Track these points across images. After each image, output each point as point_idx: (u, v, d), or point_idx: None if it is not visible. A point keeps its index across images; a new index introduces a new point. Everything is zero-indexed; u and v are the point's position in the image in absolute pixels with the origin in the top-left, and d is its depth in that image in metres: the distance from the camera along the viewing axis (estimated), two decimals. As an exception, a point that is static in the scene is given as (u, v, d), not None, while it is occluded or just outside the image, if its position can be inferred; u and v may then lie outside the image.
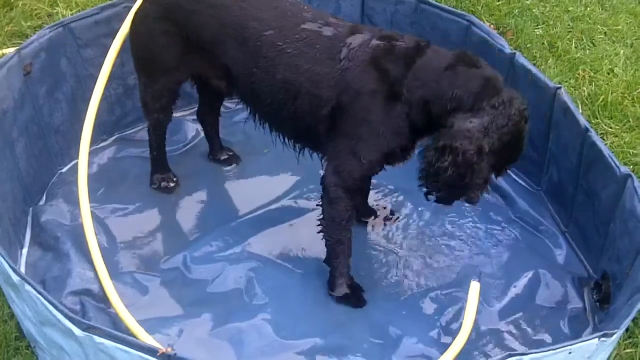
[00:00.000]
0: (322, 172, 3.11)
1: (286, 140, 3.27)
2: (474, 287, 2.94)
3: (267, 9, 3.09)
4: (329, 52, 2.98)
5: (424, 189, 2.94)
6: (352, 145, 2.97)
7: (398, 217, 3.54)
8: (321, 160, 3.21)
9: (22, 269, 3.14)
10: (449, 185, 2.85)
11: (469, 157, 2.75)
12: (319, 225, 3.17)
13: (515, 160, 2.94)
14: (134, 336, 2.74)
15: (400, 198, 3.63)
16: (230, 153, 3.80)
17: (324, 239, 3.16)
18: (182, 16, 3.17)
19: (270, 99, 3.10)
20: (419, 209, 3.57)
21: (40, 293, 2.49)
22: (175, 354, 2.33)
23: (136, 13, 3.31)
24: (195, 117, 3.78)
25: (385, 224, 3.51)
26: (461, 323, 2.94)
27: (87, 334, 2.39)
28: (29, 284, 2.52)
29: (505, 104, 2.79)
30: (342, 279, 3.18)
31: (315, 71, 2.98)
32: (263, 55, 3.04)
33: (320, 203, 3.13)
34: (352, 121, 2.95)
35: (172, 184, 3.60)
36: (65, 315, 2.43)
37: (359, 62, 2.94)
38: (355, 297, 3.19)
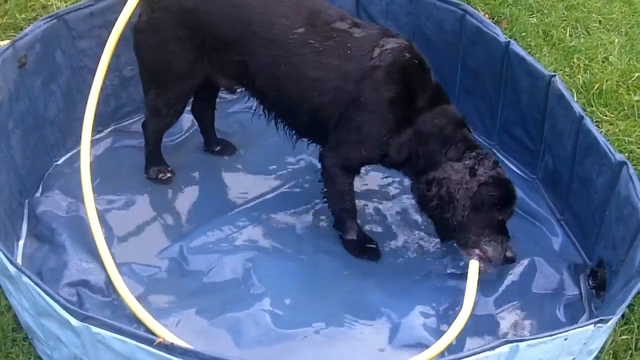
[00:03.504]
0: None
1: (292, 132, 3.35)
2: (473, 265, 3.03)
3: (292, 5, 3.14)
4: (361, 50, 3.08)
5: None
6: (358, 137, 3.12)
7: None
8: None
9: (19, 261, 3.14)
10: (436, 217, 3.12)
11: (454, 187, 3.00)
12: (323, 197, 3.32)
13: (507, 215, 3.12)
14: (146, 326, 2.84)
15: (401, 186, 3.63)
16: (225, 144, 3.80)
17: (329, 209, 3.35)
18: (198, 19, 3.16)
19: (293, 94, 3.16)
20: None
21: (37, 284, 2.50)
22: (172, 343, 2.34)
23: (142, 24, 3.27)
24: (190, 107, 3.78)
25: None
26: (458, 311, 2.96)
27: (84, 324, 2.39)
28: (26, 275, 2.52)
29: (485, 154, 3.10)
30: (352, 229, 3.32)
31: (345, 68, 3.08)
32: (295, 53, 3.09)
33: (321, 179, 3.29)
34: (365, 117, 3.09)
35: (168, 175, 3.60)
36: (62, 306, 2.43)
37: (389, 63, 3.07)
38: (369, 249, 3.33)
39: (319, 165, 3.33)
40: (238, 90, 3.51)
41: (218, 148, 3.78)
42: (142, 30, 3.29)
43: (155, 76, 3.35)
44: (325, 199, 3.33)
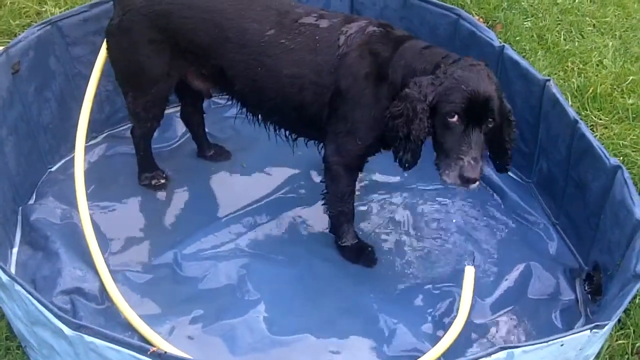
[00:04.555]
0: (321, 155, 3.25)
1: (285, 133, 3.34)
2: (469, 271, 3.02)
3: (261, 9, 3.13)
4: (328, 41, 3.07)
5: (392, 144, 2.98)
6: (348, 127, 3.07)
7: None
8: (318, 148, 3.32)
9: (13, 269, 3.14)
10: (401, 134, 2.88)
11: (415, 103, 2.82)
12: (322, 199, 3.30)
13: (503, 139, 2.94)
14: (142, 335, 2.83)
15: (395, 192, 3.63)
16: (219, 149, 3.80)
17: (327, 212, 3.32)
18: (172, 23, 3.15)
19: (274, 95, 3.15)
20: (412, 202, 3.58)
21: (30, 293, 2.48)
22: (165, 352, 2.33)
23: (114, 27, 3.25)
24: (179, 113, 3.77)
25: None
26: (454, 317, 2.96)
27: (77, 333, 2.38)
28: (19, 283, 2.51)
29: (460, 60, 2.92)
30: (349, 234, 3.31)
31: (317, 61, 3.07)
32: (268, 54, 3.09)
33: (324, 179, 3.26)
34: (349, 105, 3.05)
35: (162, 181, 3.59)
36: (55, 315, 2.42)
37: (355, 46, 3.04)
38: (365, 255, 3.31)
39: (314, 169, 3.33)
40: (214, 95, 3.57)
41: (211, 153, 3.77)
42: (114, 33, 3.27)
43: (130, 80, 3.34)
44: (324, 201, 3.31)
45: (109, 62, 3.50)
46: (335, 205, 3.27)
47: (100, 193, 3.51)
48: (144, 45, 3.20)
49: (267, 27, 3.10)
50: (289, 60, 3.08)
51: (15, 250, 3.24)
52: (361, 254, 3.32)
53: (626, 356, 2.98)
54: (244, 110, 3.36)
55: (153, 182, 3.58)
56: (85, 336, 2.36)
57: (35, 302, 2.46)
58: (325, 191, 3.29)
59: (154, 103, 3.36)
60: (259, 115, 3.33)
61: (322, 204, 3.33)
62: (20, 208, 3.38)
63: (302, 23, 3.11)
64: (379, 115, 3.01)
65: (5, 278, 2.55)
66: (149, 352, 2.30)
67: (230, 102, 3.86)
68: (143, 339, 2.84)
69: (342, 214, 3.29)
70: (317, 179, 3.63)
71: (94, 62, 3.41)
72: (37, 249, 3.22)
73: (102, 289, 3.03)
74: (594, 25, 4.70)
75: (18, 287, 2.51)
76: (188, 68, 3.26)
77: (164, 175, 3.61)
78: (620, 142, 3.83)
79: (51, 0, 4.52)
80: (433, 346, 2.86)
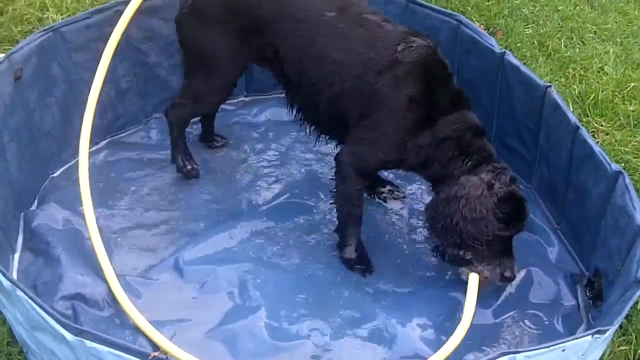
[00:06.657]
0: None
1: (312, 126, 3.37)
2: (473, 277, 3.01)
3: None
4: (387, 42, 3.08)
5: (434, 243, 3.15)
6: (375, 137, 3.09)
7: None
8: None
9: (14, 275, 3.12)
10: (454, 237, 3.00)
11: (473, 206, 2.93)
12: (331, 198, 3.31)
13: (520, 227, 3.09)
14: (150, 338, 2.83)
15: (397, 197, 3.64)
16: (222, 139, 3.87)
17: (336, 212, 3.31)
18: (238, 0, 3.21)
19: (314, 78, 3.17)
20: (414, 207, 3.58)
21: (31, 298, 2.48)
22: (166, 357, 2.33)
23: (186, 13, 3.32)
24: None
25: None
26: (456, 322, 2.95)
27: (78, 338, 2.38)
28: (20, 289, 2.51)
29: (503, 168, 3.05)
30: (352, 243, 3.28)
31: (368, 56, 3.07)
32: (322, 34, 3.11)
33: (334, 177, 3.25)
34: (384, 114, 3.06)
35: (195, 165, 3.61)
36: (57, 320, 2.42)
37: (412, 60, 3.05)
38: (362, 264, 3.29)
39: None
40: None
41: (214, 140, 3.85)
42: (185, 18, 3.34)
43: (199, 63, 3.38)
44: (333, 201, 3.31)
45: (112, 69, 3.53)
46: (344, 206, 3.26)
47: (103, 198, 3.50)
48: (213, 27, 3.26)
49: (329, 8, 3.13)
50: (341, 46, 3.09)
51: (16, 256, 3.23)
52: (359, 261, 3.30)
53: (628, 362, 2.98)
54: (288, 98, 3.38)
55: (185, 163, 3.59)
56: (87, 341, 2.36)
57: (36, 307, 2.46)
58: (334, 189, 3.28)
59: (221, 89, 3.45)
60: (297, 105, 3.35)
61: (331, 203, 3.33)
62: (22, 214, 3.38)
63: (365, 18, 3.14)
64: (409, 145, 3.06)
65: (6, 283, 2.55)
66: (149, 358, 2.30)
67: (234, 107, 3.92)
68: (151, 342, 2.83)
69: (349, 216, 3.27)
70: (319, 184, 3.63)
71: (96, 68, 3.42)
72: (38, 255, 3.21)
73: (104, 294, 3.02)
74: (595, 32, 4.71)
75: (19, 293, 2.51)
76: (252, 52, 3.30)
77: (196, 162, 3.61)
78: (622, 148, 3.83)
79: (53, 7, 4.53)
80: (435, 352, 2.86)
